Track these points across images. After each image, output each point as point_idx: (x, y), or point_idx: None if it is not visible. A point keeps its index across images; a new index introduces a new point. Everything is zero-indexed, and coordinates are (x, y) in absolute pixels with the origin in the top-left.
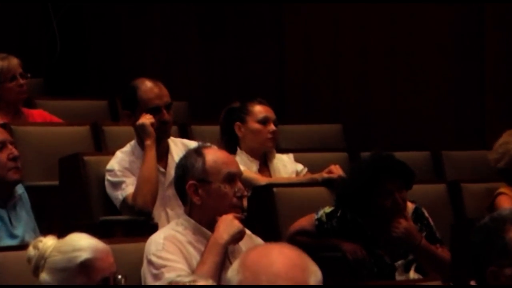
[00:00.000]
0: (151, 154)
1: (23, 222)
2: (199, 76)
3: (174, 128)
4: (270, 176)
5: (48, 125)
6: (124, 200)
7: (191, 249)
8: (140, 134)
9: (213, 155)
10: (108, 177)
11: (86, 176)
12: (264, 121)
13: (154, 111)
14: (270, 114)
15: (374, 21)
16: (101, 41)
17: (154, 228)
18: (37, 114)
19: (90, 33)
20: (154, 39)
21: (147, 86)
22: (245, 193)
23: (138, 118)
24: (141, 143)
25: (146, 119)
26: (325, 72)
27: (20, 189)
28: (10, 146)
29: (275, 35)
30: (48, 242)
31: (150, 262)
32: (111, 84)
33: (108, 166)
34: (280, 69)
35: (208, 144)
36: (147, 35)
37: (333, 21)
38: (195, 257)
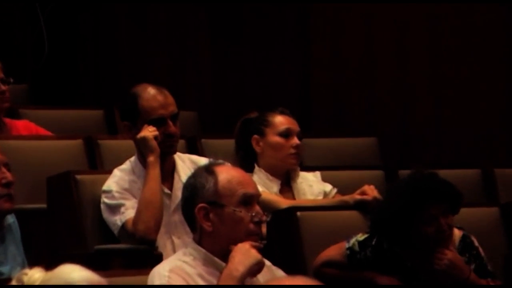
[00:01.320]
0: (155, 172)
1: (10, 257)
2: (211, 83)
3: (181, 143)
4: (293, 198)
5: (34, 138)
6: (123, 226)
7: (201, 283)
8: (142, 149)
9: (227, 173)
10: (104, 199)
11: (78, 198)
12: (286, 134)
13: (158, 122)
14: (293, 126)
15: (414, 21)
16: (96, 41)
17: (158, 258)
18: (21, 125)
19: (84, 32)
20: (158, 41)
21: (150, 93)
22: (264, 218)
23: (139, 130)
24: (142, 160)
25: (149, 132)
26: (357, 79)
27: (10, 218)
28: (3, 169)
29: (300, 37)
30: (35, 275)
31: None
32: (108, 91)
33: (105, 187)
34: (304, 75)
35: (221, 161)
36: (150, 36)
37: (366, 23)
38: None
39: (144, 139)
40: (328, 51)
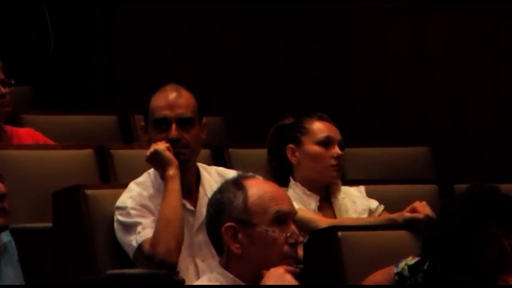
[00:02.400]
0: (174, 186)
1: (7, 281)
2: (239, 85)
3: (206, 153)
4: (334, 216)
5: (38, 148)
6: (140, 247)
7: None
8: (157, 167)
9: (258, 188)
10: (118, 217)
11: (89, 215)
12: (326, 143)
13: (161, 124)
14: (334, 133)
15: (470, 21)
16: (110, 37)
17: (179, 284)
18: (24, 133)
19: (96, 27)
20: (180, 40)
21: (162, 92)
22: (301, 238)
23: (150, 135)
24: (161, 173)
25: (159, 146)
26: (406, 82)
27: (6, 237)
28: None
29: (340, 37)
30: None
31: None
32: (123, 94)
33: (119, 203)
34: (346, 77)
35: (251, 173)
36: (170, 34)
37: (415, 22)
38: None
39: (156, 153)
40: (373, 50)
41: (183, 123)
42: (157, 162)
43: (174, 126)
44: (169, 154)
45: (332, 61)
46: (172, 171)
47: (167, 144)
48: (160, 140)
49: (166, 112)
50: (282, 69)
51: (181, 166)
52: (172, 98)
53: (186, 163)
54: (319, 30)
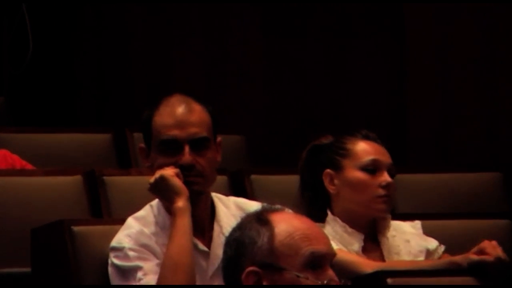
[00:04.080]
0: (184, 222)
1: None
2: (263, 97)
3: (222, 180)
4: (382, 258)
5: (15, 174)
6: None
7: None
8: (163, 197)
9: (287, 224)
10: (114, 260)
11: (76, 258)
12: (372, 168)
13: (170, 147)
14: (383, 156)
15: None
16: (101, 40)
17: None
18: None
19: (83, 27)
20: (188, 43)
21: (169, 105)
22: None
23: (153, 159)
24: (167, 205)
25: (166, 171)
26: (472, 95)
27: None
28: None
29: (391, 38)
30: None
31: None
32: (117, 108)
33: (114, 243)
34: (398, 87)
35: (279, 206)
36: (176, 36)
37: (484, 23)
38: None
39: (162, 180)
40: (430, 55)
41: (197, 145)
42: (163, 191)
43: (187, 149)
44: (178, 182)
45: (380, 68)
46: (181, 203)
47: (176, 170)
48: (168, 165)
49: (176, 132)
50: (315, 77)
51: (192, 198)
52: (182, 114)
53: (199, 195)
54: (363, 30)
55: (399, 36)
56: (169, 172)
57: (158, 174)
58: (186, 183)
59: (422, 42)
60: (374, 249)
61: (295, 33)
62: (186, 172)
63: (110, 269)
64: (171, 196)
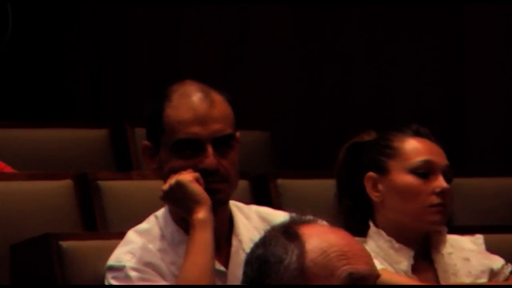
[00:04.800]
0: (205, 237)
1: None
2: (292, 86)
3: (243, 185)
4: (436, 280)
5: None
6: None
7: None
8: (178, 206)
9: (320, 239)
10: (112, 281)
11: (65, 278)
12: (425, 171)
13: (188, 147)
14: (437, 157)
15: None
16: (97, 18)
17: None
18: None
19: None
20: (202, 21)
21: (184, 96)
22: None
23: (163, 162)
24: (178, 216)
25: (184, 176)
26: None
27: None
28: None
29: (448, 21)
30: None
31: None
32: (115, 99)
33: (113, 261)
34: (456, 78)
35: (310, 217)
36: (188, 14)
37: None
38: None
39: (180, 187)
40: (491, 43)
41: (221, 144)
42: (180, 200)
43: (210, 150)
44: (199, 189)
45: (433, 54)
46: (202, 214)
47: (196, 174)
48: (185, 169)
49: (197, 130)
50: (355, 64)
51: (213, 207)
52: (203, 107)
53: (223, 204)
54: (413, 11)
55: (456, 19)
56: (187, 177)
57: (173, 179)
58: (208, 190)
59: (482, 26)
60: (426, 268)
61: (331, 13)
62: (208, 177)
63: None
64: (190, 206)
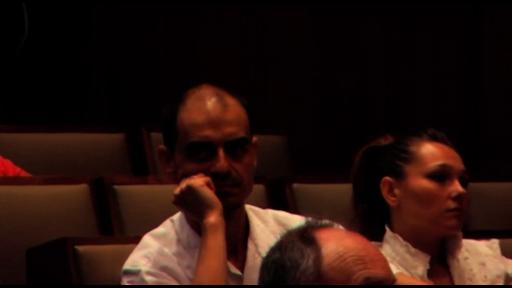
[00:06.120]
0: (217, 241)
1: None
2: (310, 89)
3: (259, 190)
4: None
5: (8, 183)
6: None
7: None
8: (190, 211)
9: (337, 243)
10: (127, 285)
11: (81, 283)
12: (441, 175)
13: (199, 151)
14: (454, 161)
15: None
16: (113, 19)
17: None
18: None
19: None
20: (221, 21)
21: (198, 100)
22: None
23: (178, 165)
24: (193, 220)
25: (195, 181)
26: None
27: None
28: None
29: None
30: None
31: None
32: (131, 103)
33: (128, 265)
34: (473, 82)
35: (327, 221)
36: (205, 14)
37: None
38: None
39: (190, 191)
40: (508, 61)
41: (233, 147)
42: (191, 204)
43: (222, 153)
44: (210, 193)
45: (451, 58)
46: (213, 218)
47: (207, 178)
48: (197, 172)
49: (209, 133)
50: (373, 67)
51: (225, 212)
52: (216, 110)
53: (235, 208)
54: (431, 14)
55: (475, 22)
56: (198, 181)
57: (184, 183)
58: (219, 194)
59: (501, 27)
60: (442, 273)
61: (350, 14)
62: (219, 181)
63: None
64: (201, 210)
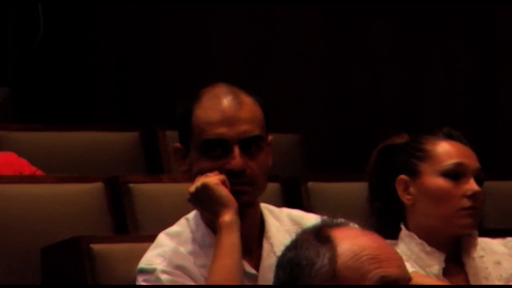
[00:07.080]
0: (232, 239)
1: None
2: (324, 88)
3: (274, 188)
4: (467, 283)
5: (22, 181)
6: None
7: None
8: (205, 209)
9: (352, 242)
10: (143, 284)
11: (95, 282)
12: (456, 174)
13: (214, 148)
14: (469, 159)
15: None
16: (125, 20)
17: None
18: (1, 160)
19: (103, 5)
20: (233, 19)
21: (213, 98)
22: None
23: (193, 163)
24: (208, 219)
25: (210, 179)
26: None
27: None
28: None
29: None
30: None
31: None
32: (145, 102)
33: (143, 264)
34: (487, 80)
35: (342, 220)
36: (219, 12)
37: None
38: None
39: (205, 189)
40: None
41: (248, 145)
42: (206, 202)
43: (237, 150)
44: (225, 191)
45: (463, 56)
46: (228, 217)
47: (222, 176)
48: (212, 170)
49: (223, 130)
50: (386, 66)
51: (240, 210)
52: (231, 108)
53: (248, 206)
54: (443, 11)
55: (487, 20)
56: (213, 179)
57: (199, 181)
58: (233, 192)
59: None
60: (457, 272)
61: (362, 14)
62: (234, 178)
63: None
64: (216, 209)
